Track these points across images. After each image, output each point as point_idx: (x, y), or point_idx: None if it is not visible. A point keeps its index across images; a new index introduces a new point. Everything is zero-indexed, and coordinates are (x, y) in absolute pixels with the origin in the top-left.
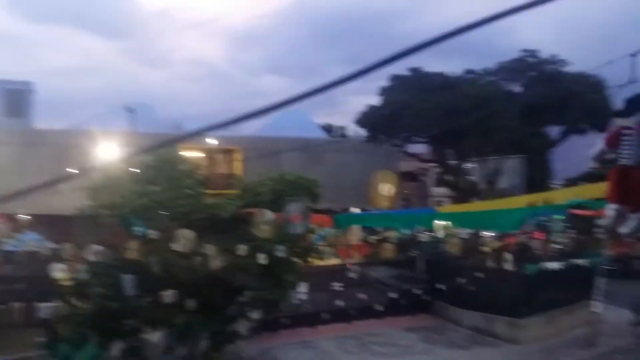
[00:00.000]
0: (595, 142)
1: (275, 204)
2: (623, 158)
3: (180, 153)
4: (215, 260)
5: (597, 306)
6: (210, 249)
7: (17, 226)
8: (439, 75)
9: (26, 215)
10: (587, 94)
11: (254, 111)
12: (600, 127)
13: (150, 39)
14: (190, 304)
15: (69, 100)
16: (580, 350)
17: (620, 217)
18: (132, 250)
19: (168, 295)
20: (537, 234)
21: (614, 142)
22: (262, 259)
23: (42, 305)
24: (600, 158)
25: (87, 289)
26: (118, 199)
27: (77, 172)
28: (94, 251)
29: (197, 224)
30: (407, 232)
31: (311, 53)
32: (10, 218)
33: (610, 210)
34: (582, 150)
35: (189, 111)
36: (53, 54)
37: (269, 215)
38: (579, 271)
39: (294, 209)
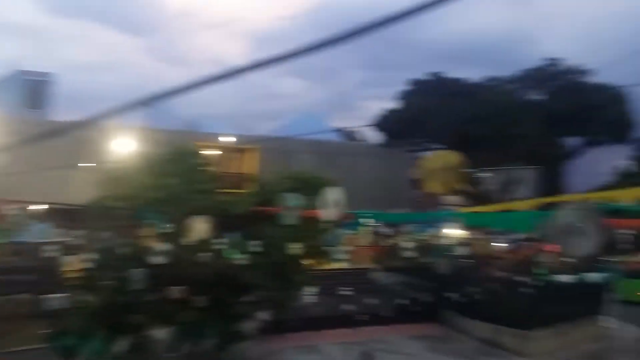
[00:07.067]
0: (613, 155)
1: None
2: None
3: (195, 149)
4: (227, 257)
5: (608, 321)
6: (221, 245)
7: (29, 216)
8: (459, 81)
9: (38, 206)
10: (608, 105)
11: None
12: (620, 140)
13: (172, 38)
14: (199, 300)
15: (89, 94)
16: None
17: None
18: (144, 243)
19: (176, 291)
20: (549, 246)
21: None
22: (274, 256)
23: (49, 297)
24: None
25: (96, 282)
26: (132, 191)
27: (92, 164)
28: (104, 243)
29: (210, 220)
30: (421, 235)
31: (331, 56)
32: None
33: None
34: (598, 163)
35: (206, 111)
36: (76, 49)
37: (293, 200)
38: (590, 285)
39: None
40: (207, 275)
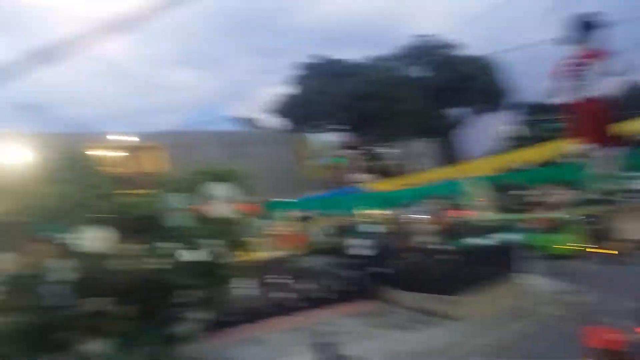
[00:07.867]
0: (495, 121)
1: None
2: (580, 90)
3: (90, 151)
4: (145, 261)
5: (528, 278)
6: (137, 250)
7: None
8: (347, 62)
9: None
10: (480, 76)
11: None
12: (496, 107)
13: (41, 34)
14: (131, 310)
15: None
16: (517, 322)
17: (602, 158)
18: (51, 257)
19: (98, 303)
20: (451, 211)
21: (568, 73)
22: (193, 256)
23: None
24: (552, 94)
25: (7, 304)
26: (26, 202)
27: None
28: (7, 262)
29: (119, 225)
30: (342, 216)
31: (220, 44)
32: None
33: (594, 151)
34: (485, 130)
35: (97, 111)
36: None
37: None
38: (506, 245)
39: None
40: (127, 283)
